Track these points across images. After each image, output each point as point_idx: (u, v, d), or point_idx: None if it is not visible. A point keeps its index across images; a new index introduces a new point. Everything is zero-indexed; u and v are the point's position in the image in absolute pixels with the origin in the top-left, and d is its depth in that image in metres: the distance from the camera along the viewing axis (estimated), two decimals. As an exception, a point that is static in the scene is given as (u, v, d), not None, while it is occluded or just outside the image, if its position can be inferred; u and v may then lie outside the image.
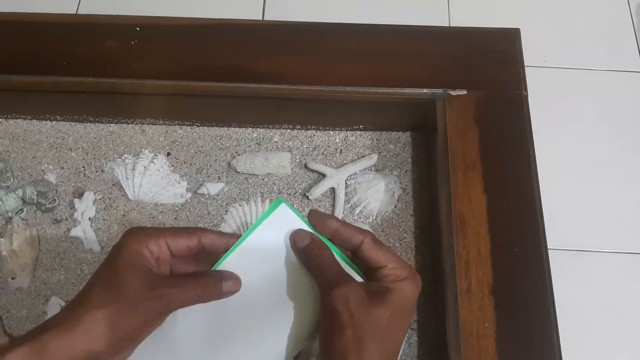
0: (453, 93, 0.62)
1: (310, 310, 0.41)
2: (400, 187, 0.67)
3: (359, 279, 0.40)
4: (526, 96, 0.63)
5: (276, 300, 0.41)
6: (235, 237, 0.42)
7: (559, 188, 1.28)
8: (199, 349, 0.41)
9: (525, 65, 0.65)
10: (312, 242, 0.41)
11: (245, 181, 0.67)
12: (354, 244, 0.40)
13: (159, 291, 0.37)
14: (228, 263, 0.42)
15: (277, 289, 0.42)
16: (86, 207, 0.65)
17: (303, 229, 0.42)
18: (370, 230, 0.40)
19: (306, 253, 0.41)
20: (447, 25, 1.47)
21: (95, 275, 0.38)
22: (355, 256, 0.41)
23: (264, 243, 0.42)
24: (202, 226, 0.63)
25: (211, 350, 0.41)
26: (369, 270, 0.40)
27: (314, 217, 0.42)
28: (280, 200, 0.43)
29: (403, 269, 0.39)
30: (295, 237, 0.41)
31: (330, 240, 0.41)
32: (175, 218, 0.65)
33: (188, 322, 0.41)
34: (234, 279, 0.41)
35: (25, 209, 0.65)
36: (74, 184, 0.67)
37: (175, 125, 0.70)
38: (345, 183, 0.66)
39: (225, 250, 0.41)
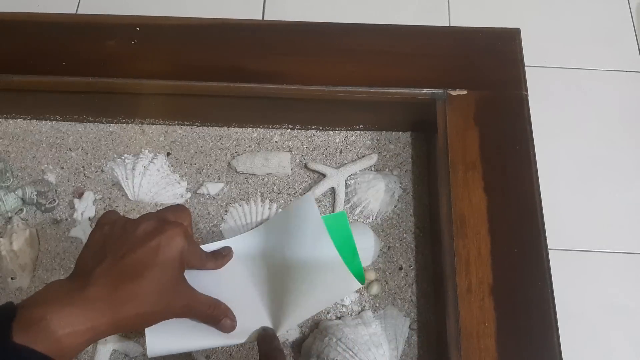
0: (453, 93, 0.62)
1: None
2: (400, 187, 0.67)
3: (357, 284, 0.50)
4: (526, 96, 0.63)
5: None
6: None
7: (559, 188, 1.28)
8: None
9: (525, 65, 0.64)
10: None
11: (245, 181, 0.67)
12: None
13: (187, 297, 0.46)
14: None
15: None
16: (86, 207, 0.65)
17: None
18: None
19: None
20: (447, 25, 1.47)
21: (145, 259, 0.43)
22: None
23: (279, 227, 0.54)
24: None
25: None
26: None
27: None
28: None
29: None
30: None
31: None
32: (175, 218, 0.65)
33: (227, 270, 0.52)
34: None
35: (25, 209, 0.65)
36: (73, 184, 0.67)
37: (175, 125, 0.70)
38: (345, 183, 0.66)
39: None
